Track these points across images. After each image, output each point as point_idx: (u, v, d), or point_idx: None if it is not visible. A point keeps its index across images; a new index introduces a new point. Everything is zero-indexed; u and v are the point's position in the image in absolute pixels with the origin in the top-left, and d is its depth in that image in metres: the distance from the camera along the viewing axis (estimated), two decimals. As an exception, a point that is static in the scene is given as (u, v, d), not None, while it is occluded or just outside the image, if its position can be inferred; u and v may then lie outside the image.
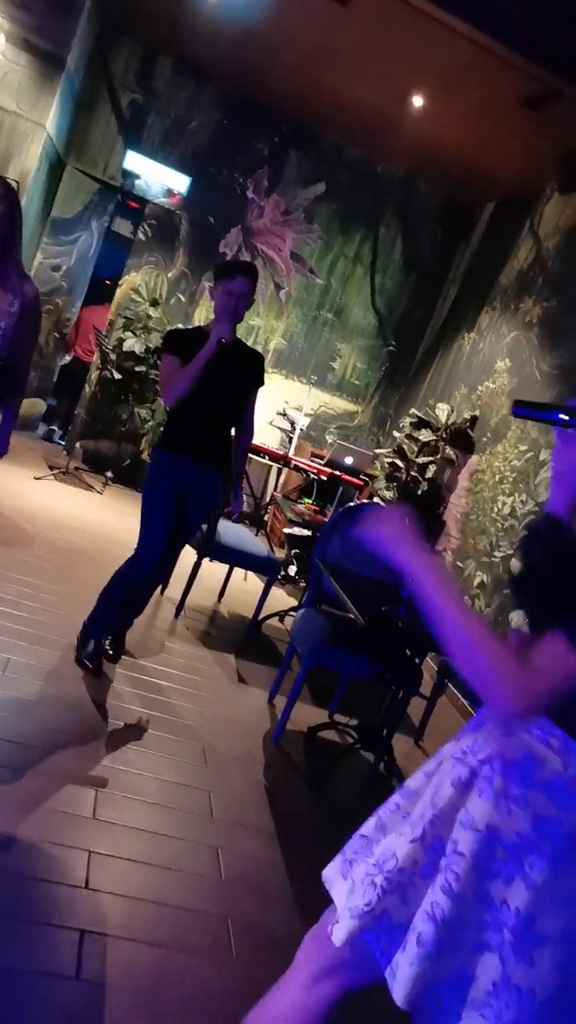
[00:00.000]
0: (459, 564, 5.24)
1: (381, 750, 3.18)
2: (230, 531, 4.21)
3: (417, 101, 5.30)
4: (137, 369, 6.18)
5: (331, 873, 1.24)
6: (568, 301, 5.01)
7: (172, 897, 2.03)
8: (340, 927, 1.14)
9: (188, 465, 3.06)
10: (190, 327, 3.23)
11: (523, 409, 1.23)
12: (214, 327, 2.98)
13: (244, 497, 3.53)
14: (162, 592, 4.27)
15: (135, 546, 3.10)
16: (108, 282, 7.59)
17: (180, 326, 3.33)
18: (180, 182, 6.48)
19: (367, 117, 5.99)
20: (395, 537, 1.15)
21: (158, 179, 6.43)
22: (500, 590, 4.65)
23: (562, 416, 1.15)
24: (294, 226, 6.91)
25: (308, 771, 3.02)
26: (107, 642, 3.22)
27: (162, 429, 3.20)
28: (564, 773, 1.04)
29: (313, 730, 3.34)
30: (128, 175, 6.44)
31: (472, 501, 5.39)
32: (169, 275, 6.77)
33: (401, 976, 1.07)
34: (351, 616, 2.89)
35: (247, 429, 3.29)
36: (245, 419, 3.26)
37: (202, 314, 6.88)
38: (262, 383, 3.21)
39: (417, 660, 3.25)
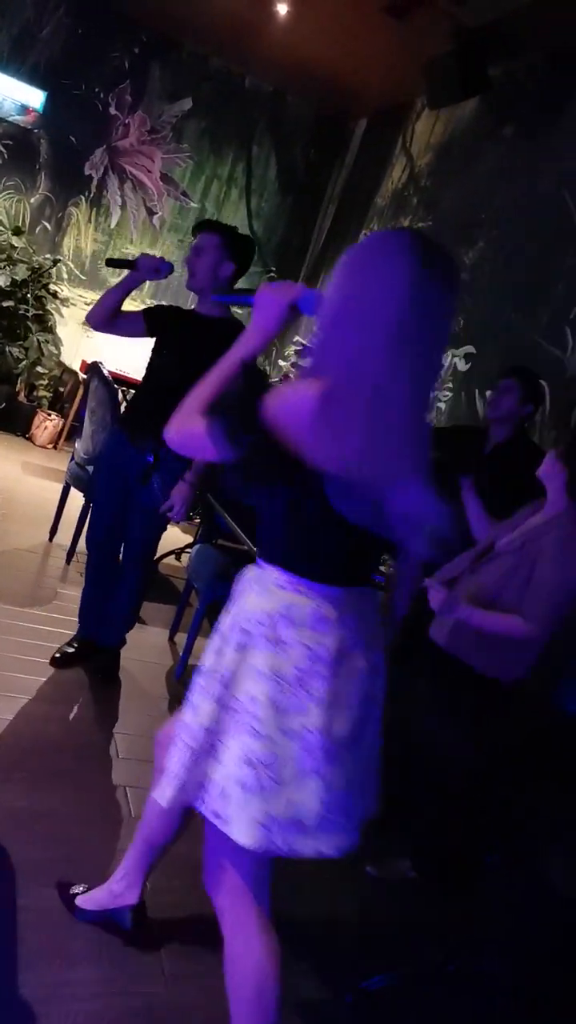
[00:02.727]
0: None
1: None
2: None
3: (281, 8, 5.07)
4: (5, 304, 5.81)
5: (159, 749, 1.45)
6: (441, 221, 5.04)
7: (83, 841, 2.04)
8: (164, 793, 1.28)
9: (126, 444, 2.71)
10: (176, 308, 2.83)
11: (220, 296, 1.53)
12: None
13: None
14: (51, 539, 4.15)
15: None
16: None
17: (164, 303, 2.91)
18: (35, 97, 5.99)
19: (230, 24, 5.67)
20: None
21: (10, 94, 5.92)
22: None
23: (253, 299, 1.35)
24: (162, 146, 6.57)
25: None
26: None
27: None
28: (317, 609, 1.25)
29: (215, 662, 3.38)
30: (-25, 89, 5.89)
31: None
32: (31, 201, 6.33)
33: (237, 822, 1.21)
34: (245, 548, 2.90)
35: None
36: None
37: (71, 242, 6.51)
38: None
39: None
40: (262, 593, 1.29)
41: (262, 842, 1.20)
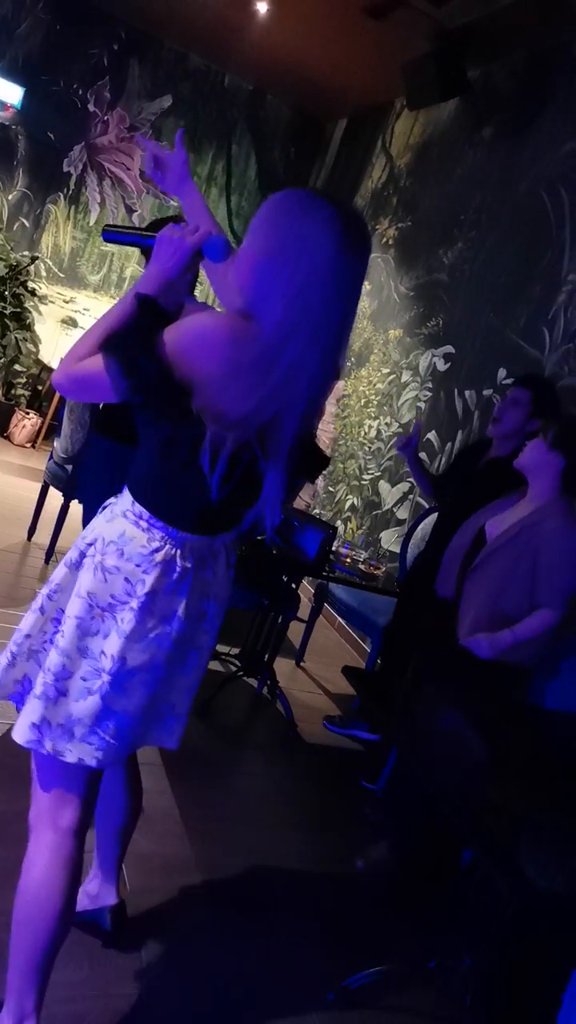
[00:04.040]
0: (331, 489, 5.34)
1: (263, 674, 3.25)
2: (97, 470, 4.07)
3: (261, 7, 5.06)
4: (-18, 302, 5.76)
5: None
6: (421, 221, 5.06)
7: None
8: None
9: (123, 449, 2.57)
10: None
11: (112, 234, 1.39)
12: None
13: None
14: (30, 538, 4.11)
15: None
16: None
17: None
18: (12, 93, 5.93)
19: (210, 22, 5.66)
20: None
21: (-14, 89, 5.86)
22: (370, 511, 4.80)
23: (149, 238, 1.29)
24: (142, 143, 6.53)
25: (191, 702, 3.05)
26: None
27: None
28: (148, 547, 1.27)
29: (196, 662, 3.37)
30: (-49, 84, 5.82)
31: (340, 426, 5.47)
32: (9, 197, 6.27)
33: (20, 719, 1.29)
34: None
35: None
36: None
37: (49, 239, 6.46)
38: None
39: (293, 585, 3.32)
40: (110, 518, 1.31)
41: (30, 741, 1.28)
